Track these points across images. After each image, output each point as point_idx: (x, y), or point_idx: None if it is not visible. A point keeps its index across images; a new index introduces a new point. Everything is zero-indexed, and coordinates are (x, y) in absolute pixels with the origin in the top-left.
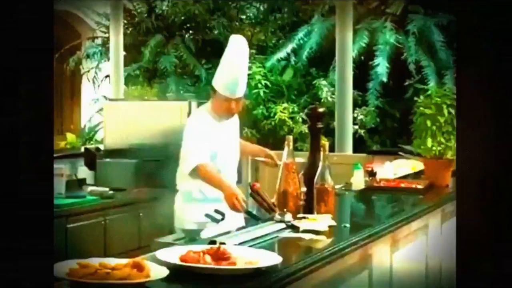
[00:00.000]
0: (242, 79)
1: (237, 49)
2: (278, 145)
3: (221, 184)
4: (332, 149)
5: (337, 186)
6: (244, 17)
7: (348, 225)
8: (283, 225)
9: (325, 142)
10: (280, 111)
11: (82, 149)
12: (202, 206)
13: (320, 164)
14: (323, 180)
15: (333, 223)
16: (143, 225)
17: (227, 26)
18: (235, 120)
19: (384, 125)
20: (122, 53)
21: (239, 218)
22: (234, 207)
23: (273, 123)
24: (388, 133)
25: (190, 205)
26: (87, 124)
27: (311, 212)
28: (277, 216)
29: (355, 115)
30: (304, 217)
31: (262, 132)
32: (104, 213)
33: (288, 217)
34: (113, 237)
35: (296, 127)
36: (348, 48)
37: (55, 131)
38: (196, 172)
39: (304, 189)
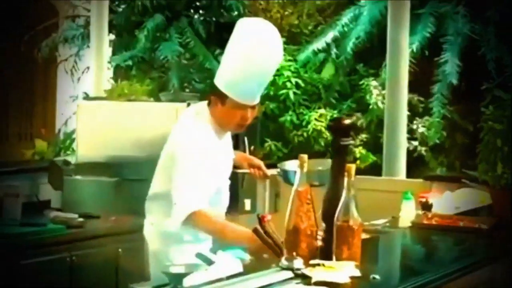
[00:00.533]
0: (266, 83)
1: (269, 41)
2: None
3: (237, 235)
4: (379, 171)
5: (380, 222)
6: None
7: (378, 277)
8: (290, 274)
9: (350, 164)
10: (315, 119)
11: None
12: (192, 247)
13: (344, 193)
14: (347, 215)
15: (358, 273)
16: (122, 265)
17: (248, 5)
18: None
19: (452, 142)
20: (107, 37)
21: (235, 262)
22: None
23: (305, 134)
24: (458, 153)
25: (178, 247)
26: (63, 129)
27: (329, 257)
28: (284, 262)
29: (414, 127)
30: (319, 264)
31: (291, 146)
32: (70, 246)
33: (298, 263)
34: (82, 278)
35: None
36: (404, 38)
37: (22, 135)
38: (189, 221)
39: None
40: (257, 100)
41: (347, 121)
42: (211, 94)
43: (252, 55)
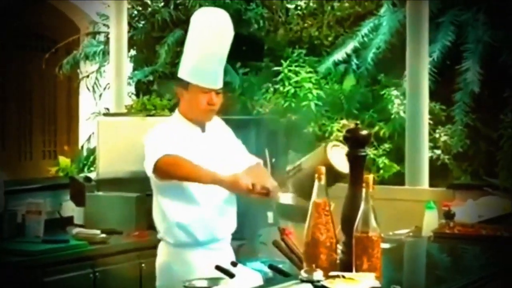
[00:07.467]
0: (223, 65)
1: (216, 23)
2: None
3: (212, 177)
4: (403, 180)
5: (403, 232)
6: (291, 6)
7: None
8: (310, 286)
9: (368, 175)
10: (338, 130)
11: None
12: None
13: (362, 204)
14: (366, 225)
15: (377, 284)
16: (145, 280)
17: (268, 18)
18: (221, 129)
19: (476, 150)
20: (126, 52)
21: (255, 275)
22: (248, 191)
23: None
24: (482, 160)
25: (184, 251)
26: (86, 145)
27: (349, 269)
28: (303, 274)
29: (437, 135)
30: (338, 276)
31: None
32: (93, 263)
33: (318, 275)
34: None
35: None
36: (423, 47)
37: (46, 153)
38: (163, 170)
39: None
40: (219, 84)
41: (364, 132)
42: (176, 86)
43: (204, 39)
